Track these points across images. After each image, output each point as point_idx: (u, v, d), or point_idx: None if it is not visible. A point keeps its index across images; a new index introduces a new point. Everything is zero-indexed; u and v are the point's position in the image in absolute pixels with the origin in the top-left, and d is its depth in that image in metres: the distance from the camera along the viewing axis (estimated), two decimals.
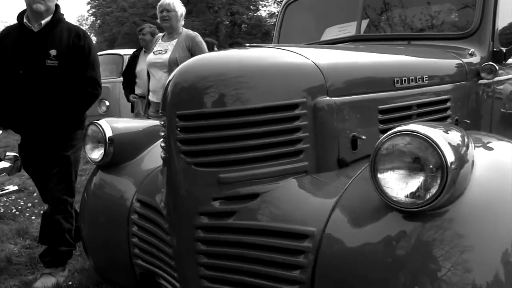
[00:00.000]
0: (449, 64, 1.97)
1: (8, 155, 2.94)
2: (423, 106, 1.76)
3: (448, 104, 1.88)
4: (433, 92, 1.81)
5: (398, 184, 1.11)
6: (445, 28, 2.27)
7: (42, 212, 2.35)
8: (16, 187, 3.17)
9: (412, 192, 1.09)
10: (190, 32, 3.24)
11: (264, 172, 1.38)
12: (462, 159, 1.13)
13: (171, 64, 3.03)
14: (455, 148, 1.11)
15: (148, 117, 3.27)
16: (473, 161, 1.21)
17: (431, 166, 1.07)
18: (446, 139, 1.09)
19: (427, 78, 1.78)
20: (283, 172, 1.39)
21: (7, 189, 3.01)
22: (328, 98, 1.46)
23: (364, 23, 2.41)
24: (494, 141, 1.54)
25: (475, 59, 2.08)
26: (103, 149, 1.83)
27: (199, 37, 3.19)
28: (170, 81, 1.43)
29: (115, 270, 1.83)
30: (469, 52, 2.08)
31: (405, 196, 1.10)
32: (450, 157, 1.06)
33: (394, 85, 1.66)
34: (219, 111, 1.36)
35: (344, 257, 1.18)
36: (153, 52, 3.22)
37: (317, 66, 1.47)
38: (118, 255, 1.75)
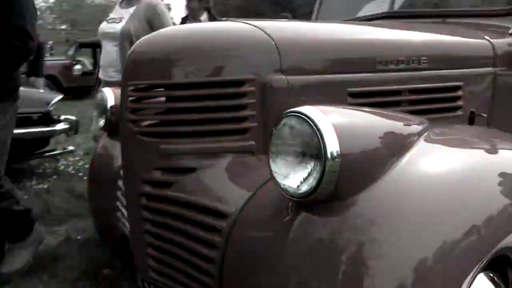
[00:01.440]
0: (467, 45, 1.66)
1: (66, 118, 3.33)
2: (418, 93, 1.53)
3: (459, 92, 1.60)
4: (435, 77, 1.56)
5: (285, 171, 1.00)
6: (488, 2, 1.91)
7: None
8: (72, 147, 3.57)
9: (296, 180, 0.98)
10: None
11: (204, 147, 1.36)
12: (360, 148, 0.97)
13: (124, 37, 2.56)
14: (353, 136, 0.96)
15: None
16: (399, 153, 1.04)
17: (311, 154, 0.94)
18: (340, 124, 0.94)
19: (425, 60, 1.54)
20: (225, 150, 1.36)
21: (65, 150, 3.41)
22: (281, 76, 1.37)
23: None
24: (493, 141, 1.30)
25: None
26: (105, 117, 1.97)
27: (161, 6, 2.61)
28: (130, 52, 1.49)
29: (105, 230, 1.99)
30: (510, 32, 1.72)
31: (290, 185, 0.99)
32: (333, 145, 0.91)
33: (375, 66, 1.47)
34: (167, 83, 1.39)
35: (250, 241, 1.13)
36: (107, 20, 2.68)
37: (273, 41, 1.38)
38: (108, 217, 1.89)
